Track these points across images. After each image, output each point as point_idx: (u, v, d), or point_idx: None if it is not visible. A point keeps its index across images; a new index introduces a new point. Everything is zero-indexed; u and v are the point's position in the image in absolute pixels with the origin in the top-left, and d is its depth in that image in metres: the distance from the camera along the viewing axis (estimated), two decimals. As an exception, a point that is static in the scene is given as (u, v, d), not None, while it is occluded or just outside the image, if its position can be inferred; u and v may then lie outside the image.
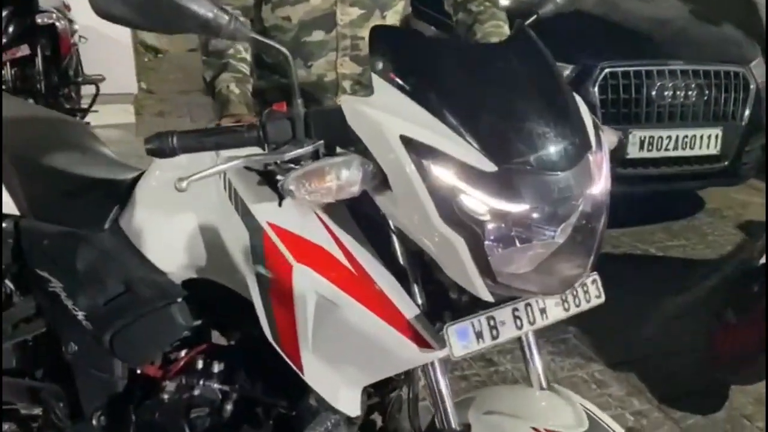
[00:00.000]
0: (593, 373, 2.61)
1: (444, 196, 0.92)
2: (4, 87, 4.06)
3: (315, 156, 1.02)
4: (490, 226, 0.93)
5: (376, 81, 0.98)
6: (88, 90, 5.08)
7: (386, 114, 0.95)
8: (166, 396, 1.38)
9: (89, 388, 1.49)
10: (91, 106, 4.96)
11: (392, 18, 1.60)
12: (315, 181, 0.96)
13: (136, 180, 1.43)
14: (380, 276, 1.06)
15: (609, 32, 3.79)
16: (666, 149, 3.56)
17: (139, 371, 1.46)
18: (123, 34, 6.35)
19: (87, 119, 4.85)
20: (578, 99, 1.06)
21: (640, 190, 3.64)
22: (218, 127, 1.22)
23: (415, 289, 1.06)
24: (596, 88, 3.41)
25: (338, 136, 1.02)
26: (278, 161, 1.03)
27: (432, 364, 1.08)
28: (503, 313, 1.05)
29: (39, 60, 4.36)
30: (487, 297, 0.98)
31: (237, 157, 1.00)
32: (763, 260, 2.41)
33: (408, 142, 0.93)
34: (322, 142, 1.03)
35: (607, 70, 3.45)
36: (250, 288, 1.13)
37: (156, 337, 1.39)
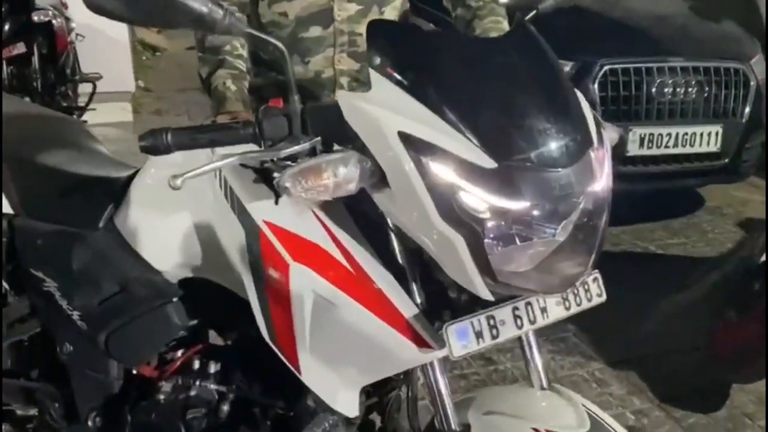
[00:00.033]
0: (593, 371, 2.60)
1: (443, 194, 0.91)
2: (-1, 86, 4.05)
3: (312, 153, 1.00)
4: (490, 223, 0.92)
5: (374, 76, 0.96)
6: (85, 88, 5.07)
7: (384, 110, 0.94)
8: (162, 397, 1.37)
9: (84, 388, 1.48)
10: (88, 104, 4.94)
11: (390, 14, 1.58)
12: (312, 179, 0.94)
13: (131, 178, 1.41)
14: (378, 275, 1.04)
15: (608, 29, 3.78)
16: (666, 146, 3.55)
17: (134, 371, 1.44)
18: (120, 32, 6.33)
19: (84, 117, 4.83)
20: (579, 95, 1.04)
21: (640, 187, 3.62)
22: (213, 123, 1.20)
23: (414, 288, 1.05)
24: (596, 85, 3.40)
25: (335, 133, 1.00)
26: (274, 158, 1.01)
27: (431, 364, 1.06)
28: (503, 313, 1.04)
29: (35, 58, 4.33)
30: (487, 296, 0.96)
31: (232, 155, 0.99)
32: (763, 258, 2.40)
33: (406, 139, 0.91)
34: (319, 138, 1.01)
35: (606, 67, 3.44)
36: (246, 287, 1.11)
37: (151, 337, 1.38)
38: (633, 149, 3.49)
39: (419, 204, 0.91)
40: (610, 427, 1.07)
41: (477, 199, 0.91)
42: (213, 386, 1.35)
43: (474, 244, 0.92)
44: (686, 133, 3.58)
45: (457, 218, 0.91)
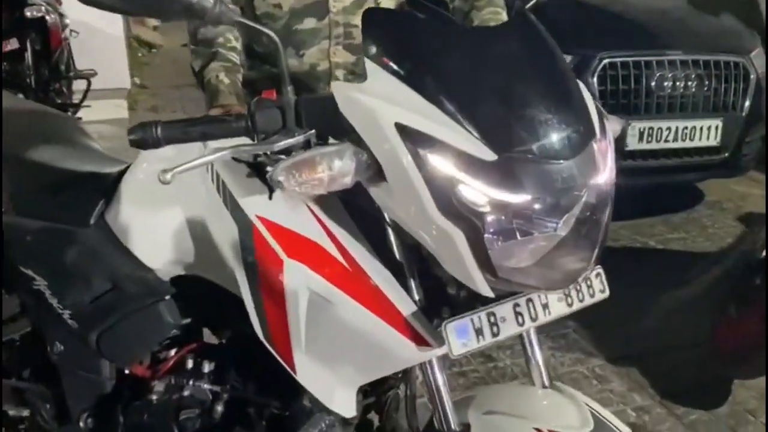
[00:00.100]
0: (594, 368, 2.58)
1: (441, 187, 0.88)
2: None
3: (306, 146, 0.98)
4: (490, 218, 0.89)
5: (370, 66, 0.93)
6: (80, 85, 5.04)
7: (380, 101, 0.91)
8: (155, 396, 1.35)
9: (76, 389, 1.45)
10: (82, 100, 4.91)
11: (386, 5, 1.56)
12: (306, 172, 0.92)
13: (122, 173, 1.38)
14: (375, 271, 1.02)
15: (608, 22, 3.76)
16: (666, 141, 3.53)
17: (127, 371, 1.42)
18: (116, 28, 6.33)
19: (79, 114, 4.80)
20: (581, 85, 1.01)
21: (640, 182, 3.60)
22: (205, 116, 1.17)
23: (412, 284, 1.02)
24: (595, 79, 3.38)
25: (330, 125, 0.98)
26: (268, 152, 0.99)
27: (430, 362, 1.04)
28: (504, 309, 1.01)
29: (29, 54, 4.30)
30: (487, 292, 0.93)
31: (224, 148, 0.96)
32: (764, 253, 2.38)
33: (403, 130, 0.89)
34: (313, 131, 0.99)
35: (606, 61, 3.41)
36: (239, 284, 1.09)
37: (144, 336, 1.35)
38: (632, 143, 3.47)
39: (417, 198, 0.89)
40: (614, 426, 1.04)
41: (476, 192, 0.88)
42: (207, 386, 1.33)
43: (474, 239, 0.89)
44: (686, 127, 3.56)
45: (456, 212, 0.88)
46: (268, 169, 0.95)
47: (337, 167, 0.92)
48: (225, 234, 1.10)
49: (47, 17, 4.48)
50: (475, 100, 0.91)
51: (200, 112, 1.28)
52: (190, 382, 1.33)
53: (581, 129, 0.94)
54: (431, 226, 0.90)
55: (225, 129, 1.00)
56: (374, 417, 1.41)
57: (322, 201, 1.05)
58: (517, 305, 1.02)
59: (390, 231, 1.03)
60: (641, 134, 3.48)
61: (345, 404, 1.08)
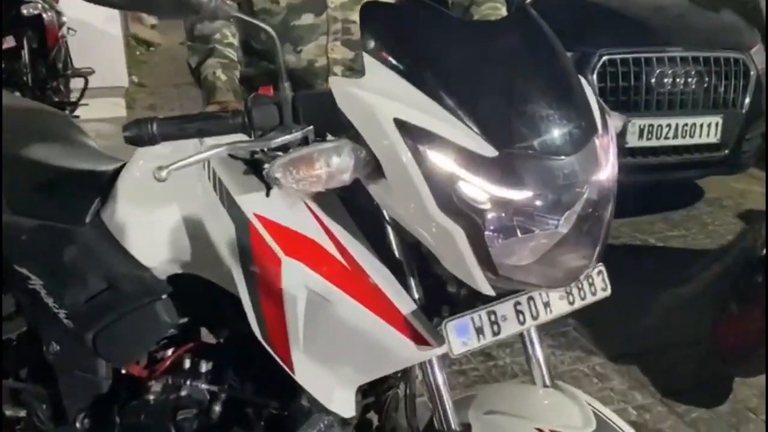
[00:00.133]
0: (594, 366, 2.57)
1: (441, 184, 0.87)
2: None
3: (304, 142, 0.97)
4: (490, 215, 0.88)
5: (368, 60, 0.92)
6: (77, 83, 5.02)
7: (379, 96, 0.90)
8: (152, 397, 1.33)
9: (72, 389, 1.44)
10: (79, 99, 4.89)
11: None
12: (303, 169, 0.90)
13: (118, 171, 1.37)
14: (374, 270, 1.00)
15: (607, 19, 3.74)
16: (666, 138, 3.52)
17: (123, 371, 1.40)
18: (113, 26, 6.30)
19: (77, 113, 4.79)
20: (583, 80, 1.00)
21: (640, 179, 3.59)
22: (201, 113, 1.15)
23: (412, 282, 1.01)
24: (595, 76, 3.36)
25: (328, 121, 0.96)
26: (265, 148, 0.98)
27: (430, 361, 1.03)
28: (505, 308, 1.00)
29: (25, 52, 4.27)
30: (488, 291, 0.92)
31: (220, 145, 0.95)
32: (765, 251, 2.37)
33: (402, 126, 0.87)
34: (311, 127, 0.97)
35: (605, 58, 3.40)
36: (237, 283, 1.08)
37: (140, 336, 1.34)
38: (632, 140, 3.46)
39: (416, 195, 0.87)
40: (617, 426, 1.03)
41: (477, 189, 0.87)
42: (204, 386, 1.32)
43: (474, 237, 0.88)
44: (686, 124, 3.55)
45: (457, 209, 0.87)
46: (265, 166, 0.94)
47: (335, 164, 0.91)
48: (222, 232, 1.09)
49: (44, 15, 4.45)
50: (476, 96, 0.90)
51: (198, 110, 1.26)
52: (188, 382, 1.32)
53: (583, 124, 0.93)
54: (431, 223, 0.89)
55: (221, 125, 0.99)
56: (373, 417, 1.40)
57: (320, 198, 1.03)
58: (518, 303, 1.01)
59: (389, 229, 1.01)
60: (641, 131, 3.46)
61: (344, 404, 1.07)
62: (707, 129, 3.61)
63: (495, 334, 0.98)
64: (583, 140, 0.92)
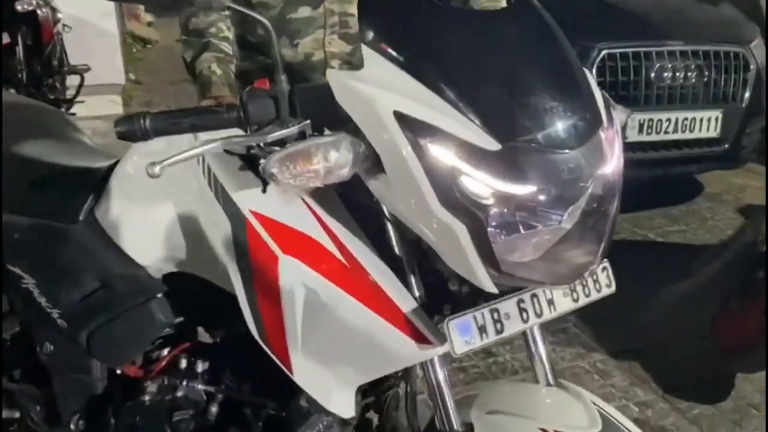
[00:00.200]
0: (595, 363, 2.55)
1: (443, 179, 0.84)
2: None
3: (301, 137, 0.94)
4: (493, 210, 0.85)
5: (367, 52, 0.90)
6: (73, 81, 4.98)
7: (378, 88, 0.87)
8: (147, 398, 1.31)
9: (66, 390, 1.42)
10: (75, 96, 4.86)
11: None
12: (300, 164, 0.88)
13: (112, 168, 1.34)
14: (374, 267, 0.98)
15: (606, 13, 3.72)
16: (666, 132, 3.50)
17: (118, 372, 1.39)
18: (109, 23, 6.26)
19: (73, 110, 4.76)
20: (587, 72, 0.98)
21: (639, 174, 3.57)
22: (196, 107, 1.13)
23: (412, 280, 0.99)
24: (594, 70, 3.35)
25: (326, 115, 0.94)
26: (261, 143, 0.96)
27: (431, 360, 1.01)
28: (508, 305, 0.98)
29: (20, 49, 4.24)
30: (491, 288, 0.90)
31: (215, 140, 0.92)
32: (765, 247, 2.36)
33: (402, 119, 0.85)
34: (308, 121, 0.95)
35: (604, 52, 3.38)
36: (233, 282, 1.05)
37: (135, 336, 1.32)
38: (632, 135, 3.44)
39: (417, 190, 0.85)
40: (623, 425, 1.01)
41: (480, 183, 0.85)
42: (201, 386, 1.30)
43: (476, 233, 0.86)
44: (686, 119, 3.53)
45: (459, 205, 0.85)
46: (262, 161, 0.91)
47: (333, 158, 0.88)
48: (217, 230, 1.06)
49: (38, 11, 4.42)
50: (478, 88, 0.87)
51: (194, 106, 1.24)
52: (184, 383, 1.30)
53: (588, 117, 0.90)
54: (432, 219, 0.87)
55: (216, 120, 0.97)
56: (373, 416, 1.38)
57: (317, 194, 1.01)
58: (521, 301, 0.99)
59: (389, 225, 0.99)
60: (641, 126, 3.45)
61: (343, 405, 1.05)
62: (707, 123, 3.60)
63: (498, 332, 0.96)
64: (588, 133, 0.89)
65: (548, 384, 1.10)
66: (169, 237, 1.19)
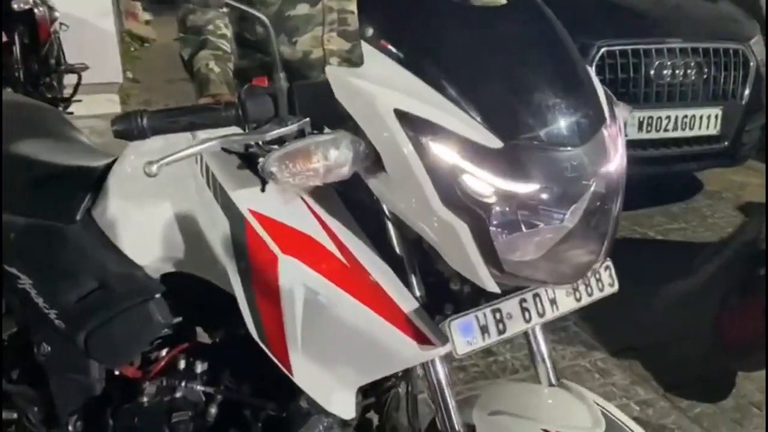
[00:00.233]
0: (596, 361, 2.54)
1: (445, 177, 0.83)
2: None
3: (300, 135, 0.93)
4: (495, 209, 0.84)
5: (366, 49, 0.88)
6: (71, 79, 4.97)
7: (378, 86, 0.86)
8: (145, 399, 1.30)
9: (64, 391, 1.41)
10: (73, 95, 4.84)
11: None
12: (300, 162, 0.87)
13: (109, 167, 1.33)
14: (375, 267, 0.97)
15: (605, 10, 3.71)
16: (665, 130, 3.50)
17: (116, 372, 1.37)
18: (107, 22, 6.25)
19: (71, 109, 4.74)
20: (589, 68, 0.96)
21: (639, 172, 3.55)
22: (193, 105, 1.12)
23: (413, 280, 0.98)
24: (593, 68, 3.33)
25: (325, 113, 0.93)
26: (259, 141, 0.95)
27: (432, 361, 1.00)
28: (510, 305, 0.97)
29: (17, 47, 4.22)
30: (493, 288, 0.89)
31: (213, 138, 0.91)
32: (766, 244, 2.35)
33: (403, 117, 0.84)
34: (308, 119, 0.94)
35: (604, 49, 3.37)
36: (232, 282, 1.04)
37: (133, 336, 1.30)
38: (632, 133, 3.43)
39: (418, 189, 0.84)
40: (627, 426, 1.00)
41: (482, 182, 0.84)
42: (200, 387, 1.29)
43: (479, 232, 0.84)
44: (686, 116, 3.53)
45: (461, 204, 0.84)
46: (260, 160, 0.90)
47: (333, 157, 0.87)
48: (216, 229, 1.05)
49: (35, 10, 4.40)
50: (479, 84, 0.86)
51: (191, 104, 1.23)
52: (183, 384, 1.29)
53: (591, 114, 0.90)
54: (433, 218, 0.85)
55: (214, 118, 0.95)
56: (373, 416, 1.37)
57: (317, 193, 1.00)
58: (523, 301, 0.98)
59: (389, 224, 0.98)
60: (641, 124, 3.44)
61: (344, 406, 1.04)
62: (707, 121, 3.59)
63: (500, 332, 0.95)
64: (591, 130, 0.88)
65: (550, 384, 1.09)
66: (167, 237, 1.18)
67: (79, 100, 4.90)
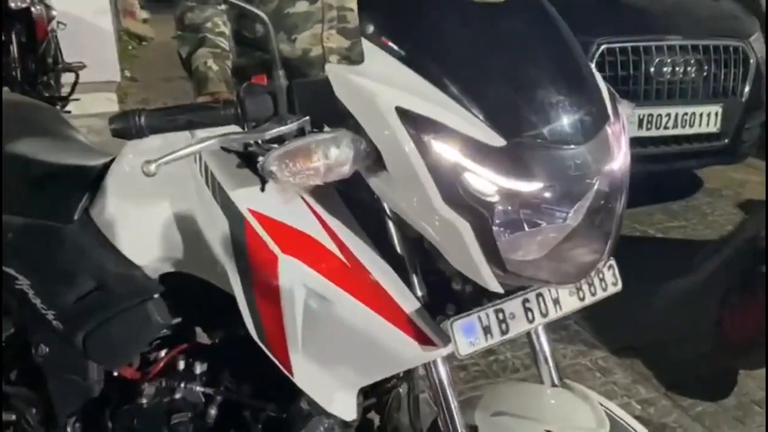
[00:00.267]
0: (596, 360, 2.53)
1: (447, 176, 0.82)
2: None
3: (300, 133, 0.92)
4: (498, 208, 0.83)
5: (367, 46, 0.87)
6: (68, 78, 4.95)
7: (379, 83, 0.85)
8: (145, 400, 1.30)
9: (62, 392, 1.39)
10: (71, 93, 4.83)
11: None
12: (300, 161, 0.86)
13: (107, 166, 1.32)
14: (375, 266, 0.97)
15: (606, 7, 3.69)
16: (665, 127, 3.48)
17: (115, 374, 1.36)
18: (105, 20, 6.23)
19: (68, 108, 4.72)
20: (592, 65, 0.95)
21: (639, 170, 3.53)
22: (192, 104, 1.11)
23: (415, 280, 0.97)
24: (593, 65, 3.31)
25: (326, 111, 0.92)
26: (259, 140, 0.94)
27: (434, 361, 0.99)
28: (513, 305, 0.96)
29: (14, 46, 4.20)
30: (496, 288, 0.88)
31: (212, 137, 0.90)
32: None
33: (405, 115, 0.83)
34: (307, 117, 0.93)
35: (603, 47, 3.36)
36: (231, 282, 1.03)
37: (132, 337, 1.29)
38: (632, 130, 3.39)
39: (420, 187, 0.83)
40: (631, 427, 0.99)
41: (484, 180, 0.83)
42: (199, 388, 1.28)
43: (481, 231, 0.84)
44: (686, 114, 3.51)
45: (463, 202, 0.83)
46: (260, 159, 0.89)
47: (333, 156, 0.86)
48: (215, 229, 1.04)
49: (32, 8, 4.39)
50: (481, 82, 0.86)
51: (190, 102, 1.22)
52: (182, 385, 1.28)
53: (594, 112, 0.89)
54: (435, 217, 0.85)
55: (213, 116, 0.94)
56: (374, 417, 1.36)
57: (317, 192, 0.99)
58: (526, 301, 0.97)
59: (390, 223, 0.97)
60: (641, 121, 3.43)
61: (345, 407, 1.03)
62: (707, 118, 3.58)
63: (503, 333, 0.94)
64: (594, 128, 0.88)
65: (553, 384, 1.09)
66: (166, 236, 1.17)
67: (77, 99, 4.88)
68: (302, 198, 0.99)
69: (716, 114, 3.60)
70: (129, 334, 1.29)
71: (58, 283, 1.32)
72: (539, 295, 0.98)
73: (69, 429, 1.38)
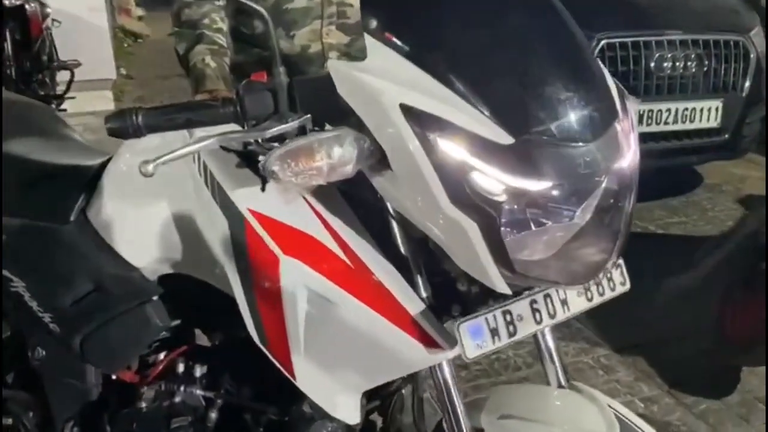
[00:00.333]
0: (599, 358, 2.52)
1: (453, 175, 0.80)
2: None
3: (301, 132, 0.90)
4: (505, 207, 0.81)
5: (370, 42, 0.85)
6: (63, 76, 4.92)
7: (383, 80, 0.83)
8: (144, 404, 1.28)
9: (60, 396, 1.38)
10: (66, 92, 4.80)
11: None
12: (302, 161, 0.83)
13: (104, 166, 1.30)
14: (379, 267, 0.95)
15: (606, 2, 3.66)
16: (666, 123, 3.47)
17: (113, 377, 1.34)
18: (100, 18, 6.20)
19: (64, 106, 4.69)
20: (599, 61, 0.93)
21: (639, 165, 3.52)
22: (190, 102, 1.08)
23: (419, 281, 0.95)
24: (595, 61, 3.30)
25: (327, 108, 0.89)
26: (259, 139, 0.92)
27: (439, 364, 0.97)
28: (520, 307, 0.94)
29: (8, 44, 4.17)
30: (504, 289, 0.86)
31: (211, 136, 0.87)
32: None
33: (409, 112, 0.81)
34: (309, 116, 0.90)
35: (604, 42, 3.34)
36: (232, 284, 1.01)
37: (131, 340, 1.28)
38: (632, 126, 3.39)
39: (425, 187, 0.81)
40: (641, 430, 0.97)
41: (492, 179, 0.80)
42: (199, 391, 1.26)
43: (489, 231, 0.81)
44: (686, 109, 3.50)
45: (469, 202, 0.81)
46: (261, 158, 0.87)
47: (337, 155, 0.84)
48: (215, 230, 1.02)
49: (26, 6, 4.36)
50: (488, 78, 0.83)
51: (187, 100, 1.19)
52: (182, 388, 1.26)
53: (603, 108, 0.87)
54: (441, 217, 0.82)
55: (212, 115, 0.92)
56: (377, 418, 1.34)
57: (319, 192, 0.97)
58: (534, 302, 0.95)
59: (394, 223, 0.95)
60: (641, 117, 3.41)
61: (348, 411, 1.01)
62: (707, 113, 3.56)
63: (511, 335, 0.92)
64: (603, 125, 0.86)
65: (560, 386, 1.07)
66: (165, 237, 1.15)
67: (72, 97, 4.85)
68: (303, 198, 0.97)
69: (716, 109, 3.58)
70: (127, 336, 1.27)
71: (54, 285, 1.30)
72: (547, 295, 0.96)
73: (66, 433, 1.36)
